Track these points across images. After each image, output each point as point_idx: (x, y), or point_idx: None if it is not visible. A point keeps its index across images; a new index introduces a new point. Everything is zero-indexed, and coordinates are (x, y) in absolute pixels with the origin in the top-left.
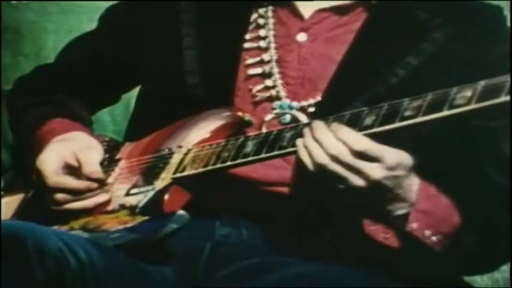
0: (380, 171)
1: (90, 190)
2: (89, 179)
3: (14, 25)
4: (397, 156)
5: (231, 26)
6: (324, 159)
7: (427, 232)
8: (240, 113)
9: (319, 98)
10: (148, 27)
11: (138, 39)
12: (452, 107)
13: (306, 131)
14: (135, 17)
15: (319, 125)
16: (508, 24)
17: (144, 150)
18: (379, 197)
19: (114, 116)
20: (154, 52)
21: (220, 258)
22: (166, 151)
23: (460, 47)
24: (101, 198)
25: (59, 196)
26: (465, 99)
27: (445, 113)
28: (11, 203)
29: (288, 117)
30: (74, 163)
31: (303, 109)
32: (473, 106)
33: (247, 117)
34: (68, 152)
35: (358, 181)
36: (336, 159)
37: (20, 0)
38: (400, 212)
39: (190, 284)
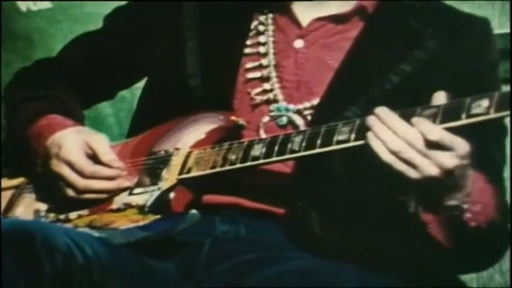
0: (453, 160)
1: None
2: (110, 167)
3: (24, 33)
4: (466, 145)
5: (233, 32)
6: (399, 145)
7: (482, 217)
8: (233, 117)
9: (314, 101)
10: (153, 30)
11: (141, 41)
12: (470, 116)
13: (374, 122)
14: (140, 19)
15: (389, 114)
16: (495, 33)
17: (135, 151)
18: (445, 185)
19: (119, 118)
20: (157, 54)
21: (219, 253)
22: (163, 153)
23: (451, 55)
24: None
25: (94, 184)
26: (482, 108)
27: (464, 121)
28: None
29: (284, 119)
30: (91, 152)
31: (299, 112)
32: (492, 116)
33: (240, 121)
34: (82, 142)
35: (431, 169)
36: (411, 145)
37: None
38: (455, 202)
39: (192, 278)
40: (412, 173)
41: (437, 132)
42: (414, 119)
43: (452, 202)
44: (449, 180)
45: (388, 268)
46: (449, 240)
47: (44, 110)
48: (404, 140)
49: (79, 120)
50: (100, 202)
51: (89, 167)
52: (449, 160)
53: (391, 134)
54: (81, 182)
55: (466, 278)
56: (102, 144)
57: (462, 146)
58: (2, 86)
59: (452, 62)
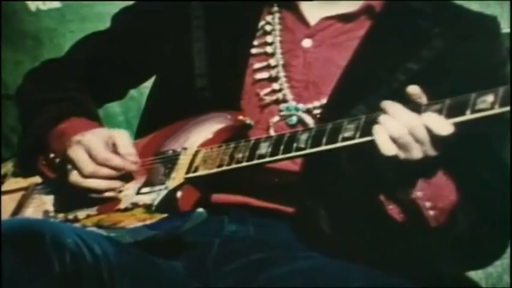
0: (437, 149)
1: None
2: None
3: (33, 32)
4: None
5: (240, 32)
6: (400, 131)
7: (427, 204)
8: (241, 117)
9: (323, 101)
10: (161, 29)
11: (149, 41)
12: (474, 111)
13: (382, 115)
14: (147, 19)
15: (395, 105)
16: (503, 32)
17: (143, 151)
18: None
19: (128, 118)
20: (165, 54)
21: (228, 253)
22: (170, 152)
23: (458, 54)
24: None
25: (104, 171)
26: (487, 103)
27: (469, 116)
28: (4, 202)
29: (294, 119)
30: (111, 145)
31: (308, 111)
32: (497, 110)
33: (248, 120)
34: (106, 135)
35: (416, 153)
36: (412, 133)
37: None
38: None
39: (200, 278)
40: (401, 155)
41: (448, 127)
42: (425, 114)
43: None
44: (424, 162)
45: (397, 268)
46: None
47: (66, 113)
48: (407, 127)
49: (99, 121)
50: (106, 201)
51: (104, 153)
52: (435, 148)
53: (394, 121)
54: (89, 167)
55: (475, 277)
56: (124, 139)
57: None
58: (8, 86)
59: (460, 60)
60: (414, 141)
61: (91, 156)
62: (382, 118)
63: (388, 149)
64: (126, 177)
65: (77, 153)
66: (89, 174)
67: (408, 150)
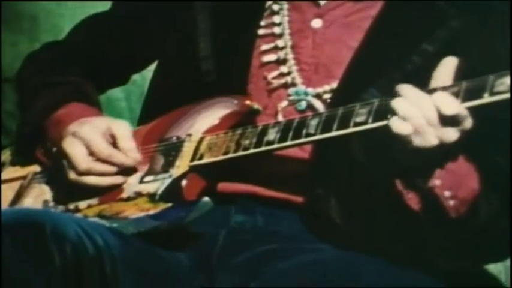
0: (455, 135)
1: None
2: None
3: (31, 12)
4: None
5: (246, 13)
6: (411, 112)
7: (447, 193)
8: (248, 102)
9: (334, 85)
10: (164, 11)
11: (152, 23)
12: (493, 94)
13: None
14: (150, 1)
15: (409, 87)
16: None
17: (147, 137)
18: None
19: (130, 103)
20: (169, 37)
21: (235, 245)
22: (175, 139)
23: (475, 35)
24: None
25: (100, 167)
26: (506, 86)
27: (486, 99)
28: (3, 191)
29: (303, 104)
30: (108, 136)
31: (318, 95)
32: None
33: (255, 105)
34: (104, 126)
35: (432, 139)
36: (424, 115)
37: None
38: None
39: (205, 270)
40: (416, 140)
41: (455, 107)
42: (435, 94)
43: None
44: (440, 153)
45: (411, 260)
46: (426, 214)
47: (64, 98)
48: (419, 108)
49: (98, 108)
50: (108, 190)
51: (106, 149)
52: (452, 135)
53: (407, 102)
54: (84, 163)
55: (494, 270)
56: (124, 130)
57: (469, 123)
58: (5, 68)
59: (475, 41)
60: (427, 125)
61: (91, 152)
62: (394, 101)
63: (401, 128)
64: (124, 172)
65: (71, 148)
66: (84, 171)
67: (422, 135)
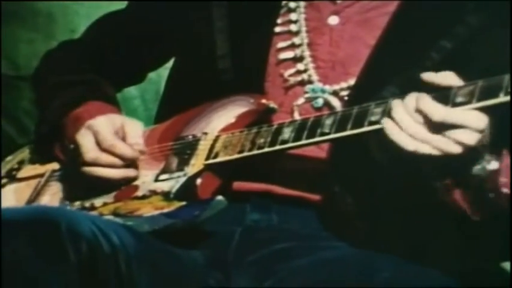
0: (472, 136)
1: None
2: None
3: (46, 9)
4: (482, 118)
5: (262, 11)
6: (412, 127)
7: (505, 189)
8: (264, 100)
9: (351, 82)
10: (180, 9)
11: (168, 22)
12: (508, 93)
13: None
14: (166, 0)
15: (407, 98)
16: None
17: (163, 136)
18: (476, 158)
19: (145, 101)
20: (186, 35)
21: (250, 243)
22: (190, 137)
23: (493, 31)
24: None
25: (106, 158)
26: None
27: (502, 99)
28: (21, 189)
29: (320, 101)
30: (121, 133)
31: (335, 93)
32: None
33: (272, 104)
34: (117, 122)
35: (452, 147)
36: (422, 126)
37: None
38: (494, 166)
39: (220, 269)
40: (433, 151)
41: (440, 113)
42: (420, 102)
43: (490, 167)
44: (472, 154)
45: (429, 260)
46: (476, 212)
47: (83, 96)
48: (416, 121)
49: (117, 106)
50: (121, 188)
51: (110, 139)
52: (467, 136)
53: (406, 115)
54: (91, 153)
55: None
56: (135, 128)
57: (477, 120)
58: (21, 66)
59: (494, 38)
60: (434, 134)
61: (97, 141)
62: (394, 110)
63: (402, 138)
64: (132, 167)
65: (83, 138)
66: (90, 161)
67: (434, 145)
